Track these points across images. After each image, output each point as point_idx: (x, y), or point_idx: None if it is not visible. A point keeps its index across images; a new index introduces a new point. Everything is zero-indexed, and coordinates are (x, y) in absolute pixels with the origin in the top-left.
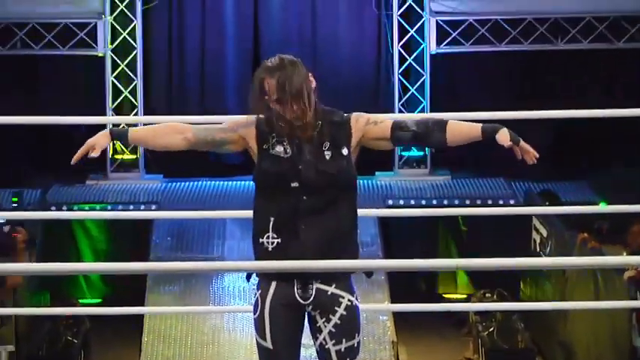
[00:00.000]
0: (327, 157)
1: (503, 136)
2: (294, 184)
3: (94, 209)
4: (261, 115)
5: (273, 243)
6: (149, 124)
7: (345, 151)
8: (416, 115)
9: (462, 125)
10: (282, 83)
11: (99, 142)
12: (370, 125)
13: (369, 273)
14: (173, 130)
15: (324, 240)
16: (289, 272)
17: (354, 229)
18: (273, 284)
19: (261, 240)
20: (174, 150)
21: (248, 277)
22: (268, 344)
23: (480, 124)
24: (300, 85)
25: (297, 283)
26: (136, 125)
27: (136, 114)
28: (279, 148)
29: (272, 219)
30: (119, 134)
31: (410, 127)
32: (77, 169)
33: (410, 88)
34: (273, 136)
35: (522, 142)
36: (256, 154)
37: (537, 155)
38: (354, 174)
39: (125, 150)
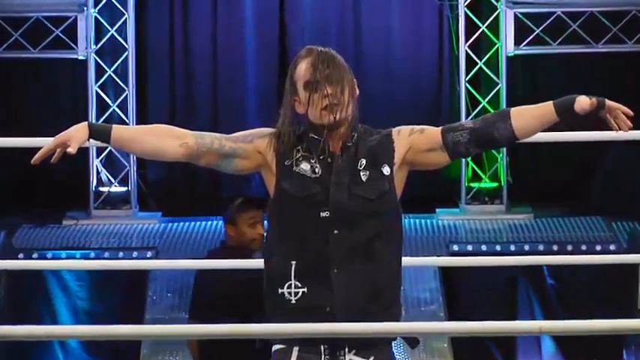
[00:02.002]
0: (364, 179)
1: (584, 102)
2: (325, 214)
3: (72, 257)
4: (282, 124)
5: (297, 294)
6: None
7: (386, 170)
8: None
9: (529, 108)
10: (315, 63)
11: (74, 135)
12: (416, 134)
13: (412, 342)
14: (168, 133)
15: (362, 289)
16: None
17: (399, 277)
18: (295, 351)
19: (280, 290)
20: (167, 159)
21: (260, 342)
22: None
23: (550, 101)
24: (340, 72)
25: (325, 351)
26: (127, 155)
27: None
28: (306, 166)
29: (294, 262)
30: (99, 131)
31: (465, 125)
32: (52, 205)
33: (480, 100)
34: (298, 149)
35: (609, 102)
36: (274, 172)
37: (631, 114)
38: (398, 201)
39: (113, 180)
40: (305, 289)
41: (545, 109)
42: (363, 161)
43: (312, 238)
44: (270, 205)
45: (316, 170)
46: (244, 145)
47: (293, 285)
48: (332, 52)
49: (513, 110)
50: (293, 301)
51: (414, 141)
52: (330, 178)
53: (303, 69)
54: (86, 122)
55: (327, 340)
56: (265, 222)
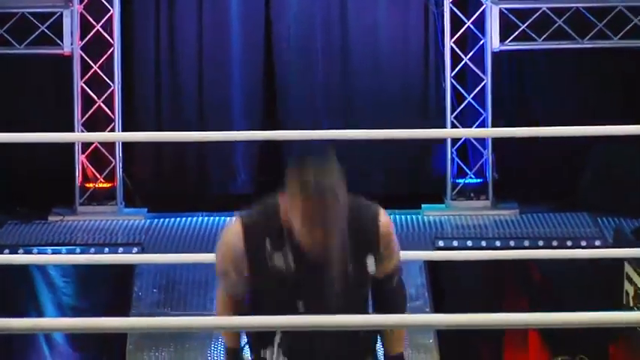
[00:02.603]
0: (349, 271)
1: None
2: (301, 308)
3: (58, 252)
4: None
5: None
6: (130, 142)
7: (371, 264)
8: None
9: (395, 333)
10: (313, 206)
11: None
12: (385, 260)
13: None
14: (230, 306)
15: (344, 354)
16: None
17: (376, 337)
18: None
19: (263, 353)
20: None
21: None
22: None
23: (400, 349)
24: (337, 215)
25: None
26: (112, 145)
27: (112, 130)
28: (279, 261)
29: (278, 336)
30: (236, 356)
31: (383, 292)
32: (38, 201)
33: (466, 95)
34: (268, 240)
35: None
36: (246, 263)
37: None
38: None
39: (98, 176)
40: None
41: (389, 347)
42: (347, 253)
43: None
44: (248, 296)
45: (290, 265)
46: (231, 280)
47: (275, 351)
48: (328, 176)
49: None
50: None
51: (385, 259)
52: (307, 273)
53: (298, 194)
54: None
55: None
56: None
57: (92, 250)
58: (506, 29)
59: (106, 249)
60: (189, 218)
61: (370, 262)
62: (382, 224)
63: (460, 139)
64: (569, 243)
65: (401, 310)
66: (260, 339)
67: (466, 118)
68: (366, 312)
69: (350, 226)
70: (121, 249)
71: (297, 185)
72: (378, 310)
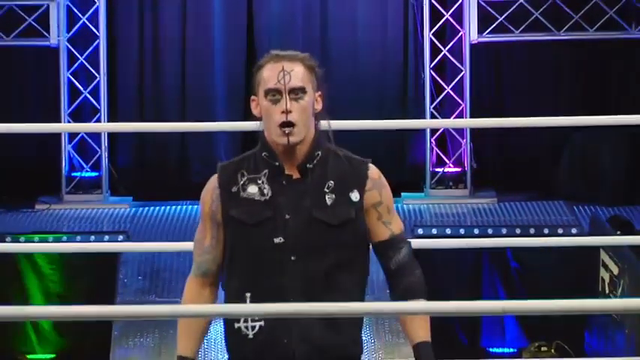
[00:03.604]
0: (329, 202)
1: None
2: (278, 240)
3: (45, 241)
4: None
5: (253, 328)
6: (115, 132)
7: (355, 197)
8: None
9: (416, 316)
10: (280, 73)
11: None
12: (378, 210)
13: None
14: (195, 301)
15: (321, 323)
16: None
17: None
18: None
19: (237, 325)
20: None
21: None
22: None
23: (426, 339)
24: (305, 84)
25: None
26: (98, 135)
27: (98, 120)
28: (253, 189)
29: (249, 294)
30: None
31: (392, 262)
32: (25, 190)
33: (445, 86)
34: (243, 173)
35: None
36: (220, 210)
37: None
38: (365, 231)
39: (84, 165)
40: (262, 323)
41: (412, 334)
42: (331, 183)
43: (267, 268)
44: (224, 234)
45: (265, 192)
46: (211, 234)
47: (249, 319)
48: (299, 59)
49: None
50: (250, 336)
51: (371, 212)
52: (285, 201)
53: (267, 74)
54: None
55: None
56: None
57: (78, 238)
58: (484, 21)
59: (92, 237)
60: (173, 207)
61: (354, 196)
62: (372, 170)
63: (439, 129)
64: (546, 231)
65: (419, 288)
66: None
67: (445, 109)
68: (360, 257)
69: (337, 168)
70: (106, 237)
71: (256, 70)
72: (394, 285)
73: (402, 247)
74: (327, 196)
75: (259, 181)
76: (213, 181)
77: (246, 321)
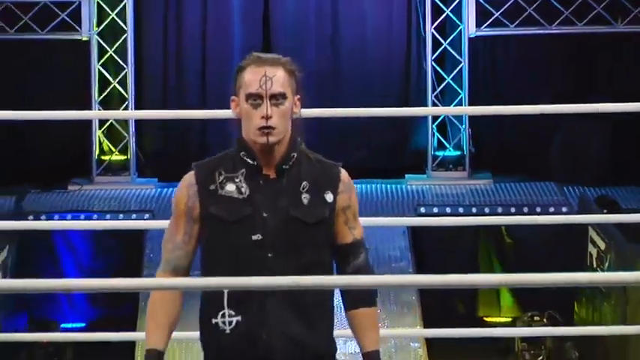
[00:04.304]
0: (305, 202)
1: None
2: (256, 237)
3: (77, 219)
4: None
5: (230, 323)
6: (141, 119)
7: (329, 198)
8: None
9: (367, 323)
10: (262, 78)
11: None
12: (346, 214)
13: None
14: (166, 295)
15: (297, 318)
16: None
17: (331, 311)
18: None
19: (214, 320)
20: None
21: None
22: None
23: (375, 348)
24: (285, 89)
25: None
26: (125, 121)
27: (126, 107)
28: (231, 187)
29: (225, 297)
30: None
31: (350, 266)
32: (57, 172)
33: (445, 76)
34: (220, 172)
35: None
36: (197, 207)
37: None
38: (333, 236)
39: (113, 149)
40: (239, 318)
41: (365, 344)
42: (306, 184)
43: (245, 264)
44: (200, 232)
45: (243, 190)
46: (184, 230)
47: (227, 314)
48: (281, 64)
49: (362, 312)
50: (227, 331)
51: (339, 215)
52: (264, 198)
53: (249, 78)
54: None
55: None
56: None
57: (108, 216)
58: (481, 16)
59: (120, 215)
60: None
61: (329, 197)
62: (344, 174)
63: (440, 116)
64: (538, 209)
65: (371, 296)
66: (209, 306)
67: (445, 97)
68: (329, 258)
69: (311, 170)
70: (133, 215)
71: (238, 70)
72: (346, 293)
73: (361, 253)
74: (302, 196)
75: (237, 180)
76: (190, 178)
77: (223, 316)
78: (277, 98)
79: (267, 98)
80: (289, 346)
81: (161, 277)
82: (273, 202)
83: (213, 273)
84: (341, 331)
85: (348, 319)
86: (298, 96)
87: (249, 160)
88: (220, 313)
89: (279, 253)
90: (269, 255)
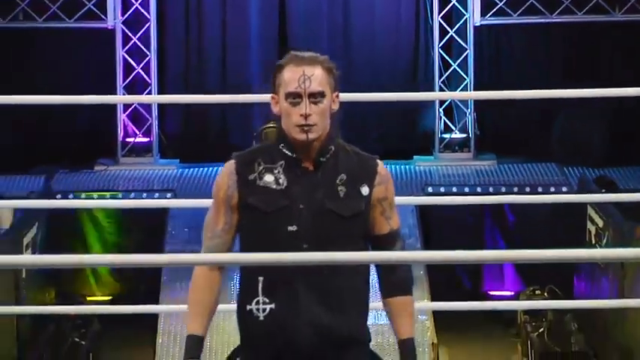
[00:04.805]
0: (341, 194)
1: None
2: (292, 228)
3: (103, 198)
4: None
5: (264, 310)
6: (164, 103)
7: (365, 191)
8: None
9: (402, 310)
10: (301, 77)
11: None
12: (383, 205)
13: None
14: (206, 283)
15: (329, 308)
16: (278, 350)
17: (366, 300)
18: None
19: (248, 307)
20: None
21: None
22: None
23: (410, 336)
24: (323, 88)
25: None
26: (149, 105)
27: (149, 92)
28: (269, 178)
29: (261, 278)
30: (195, 348)
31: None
32: (84, 153)
33: (452, 63)
34: (259, 162)
35: None
36: (236, 196)
37: None
38: (369, 224)
39: (137, 132)
40: (272, 305)
41: (399, 331)
42: (343, 177)
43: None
44: (238, 222)
45: (280, 181)
46: (224, 219)
47: (261, 301)
48: (319, 62)
49: (399, 301)
50: (261, 318)
51: (375, 206)
52: (301, 190)
53: (288, 77)
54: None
55: (294, 353)
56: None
57: (132, 195)
58: (486, 6)
59: (144, 194)
60: (214, 168)
61: (364, 190)
62: (380, 166)
63: (446, 100)
64: (539, 189)
65: (406, 284)
66: (245, 294)
67: (452, 83)
68: (364, 248)
69: (348, 163)
70: (156, 194)
71: (277, 69)
72: (383, 282)
73: (397, 242)
74: (339, 189)
75: (275, 171)
76: (230, 167)
77: (257, 303)
78: (316, 96)
79: (305, 97)
80: (319, 333)
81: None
82: (310, 194)
83: (248, 265)
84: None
85: (384, 306)
86: (336, 92)
87: (288, 153)
88: (255, 301)
89: (314, 244)
90: (304, 246)
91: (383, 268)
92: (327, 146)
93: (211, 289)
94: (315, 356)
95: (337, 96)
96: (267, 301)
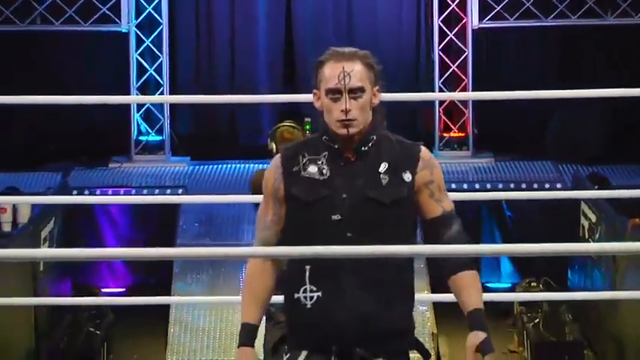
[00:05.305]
0: (384, 182)
1: (473, 339)
2: (336, 217)
3: (117, 194)
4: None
5: (312, 298)
6: (175, 103)
7: (407, 177)
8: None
9: (468, 284)
10: (341, 73)
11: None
12: (430, 188)
13: (425, 354)
14: (259, 271)
15: (374, 296)
16: (325, 337)
17: (411, 288)
18: (303, 354)
19: (296, 295)
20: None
21: (274, 350)
22: None
23: (478, 306)
24: (363, 83)
25: (336, 355)
26: (161, 105)
27: (161, 93)
28: (313, 169)
29: (308, 267)
30: (250, 337)
31: (444, 238)
32: (99, 151)
33: (451, 65)
34: (304, 154)
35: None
36: (282, 179)
37: None
38: (415, 210)
39: (150, 131)
40: (319, 294)
41: (466, 303)
42: (385, 165)
43: (325, 243)
44: (284, 212)
45: (324, 172)
46: (273, 211)
47: (308, 289)
48: (358, 57)
49: (465, 275)
50: (308, 306)
51: (422, 190)
52: (344, 180)
53: (328, 73)
54: (240, 348)
55: (337, 340)
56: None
57: (145, 191)
58: (484, 10)
59: (156, 190)
60: (224, 165)
61: (407, 176)
62: (424, 151)
63: (446, 100)
64: (535, 186)
65: (469, 260)
66: (292, 282)
67: (451, 84)
68: (411, 234)
69: (390, 151)
70: (168, 190)
71: (318, 66)
72: (445, 262)
73: (453, 224)
74: (381, 177)
75: (319, 162)
76: (277, 160)
77: (305, 291)
78: (355, 92)
79: (345, 93)
80: (364, 322)
81: (253, 260)
82: (352, 183)
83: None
84: None
85: (451, 285)
86: (377, 87)
87: (330, 144)
88: (302, 289)
89: (358, 232)
90: (348, 235)
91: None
92: (368, 137)
93: (264, 279)
94: (360, 344)
95: (378, 90)
96: (315, 289)
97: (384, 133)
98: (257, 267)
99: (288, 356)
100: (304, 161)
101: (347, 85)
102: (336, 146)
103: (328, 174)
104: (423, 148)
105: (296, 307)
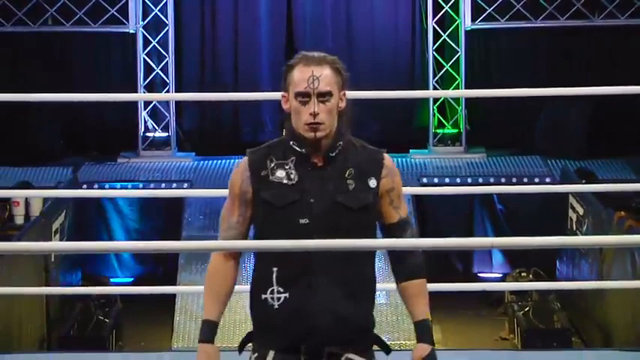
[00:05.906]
0: (350, 188)
1: (419, 352)
2: (304, 221)
3: (125, 187)
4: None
5: (279, 299)
6: (181, 101)
7: (373, 183)
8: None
9: (417, 293)
10: (310, 77)
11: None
12: (391, 195)
13: (386, 349)
14: (221, 271)
15: (341, 296)
16: (294, 337)
17: (374, 286)
18: (271, 354)
19: (263, 296)
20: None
21: (240, 348)
22: None
23: (424, 317)
24: (331, 87)
25: (305, 354)
26: (167, 103)
27: (167, 91)
28: (281, 173)
29: (275, 269)
30: (208, 335)
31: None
32: (108, 146)
33: (444, 64)
34: (271, 159)
35: None
36: (251, 184)
37: None
38: (378, 215)
39: (156, 127)
40: (287, 295)
41: (414, 312)
42: (351, 170)
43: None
44: (252, 216)
45: (292, 177)
46: (239, 212)
47: (275, 290)
48: (327, 62)
49: (413, 284)
50: (275, 306)
51: (384, 197)
52: (312, 185)
53: (298, 77)
54: (200, 344)
55: (305, 339)
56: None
57: (152, 185)
58: (476, 12)
59: (163, 184)
60: (227, 160)
61: (372, 182)
62: (387, 158)
63: (440, 98)
64: (525, 180)
65: (419, 268)
66: (259, 283)
67: (445, 82)
68: (371, 252)
69: (356, 157)
70: (174, 185)
71: (287, 69)
72: (397, 267)
73: (407, 229)
74: (347, 182)
75: (287, 167)
76: (243, 164)
77: (272, 292)
78: (324, 96)
79: (314, 96)
80: (334, 322)
81: (217, 254)
82: (320, 188)
83: (263, 254)
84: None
85: (400, 292)
86: (344, 92)
87: (298, 149)
88: (269, 290)
89: (325, 236)
90: (316, 238)
91: (396, 255)
92: (335, 142)
93: (226, 278)
94: (330, 342)
95: (344, 94)
96: (282, 290)
97: (349, 139)
98: (219, 265)
99: (255, 356)
100: (272, 165)
101: (316, 89)
102: (304, 151)
103: (296, 179)
104: (385, 155)
105: (263, 308)
